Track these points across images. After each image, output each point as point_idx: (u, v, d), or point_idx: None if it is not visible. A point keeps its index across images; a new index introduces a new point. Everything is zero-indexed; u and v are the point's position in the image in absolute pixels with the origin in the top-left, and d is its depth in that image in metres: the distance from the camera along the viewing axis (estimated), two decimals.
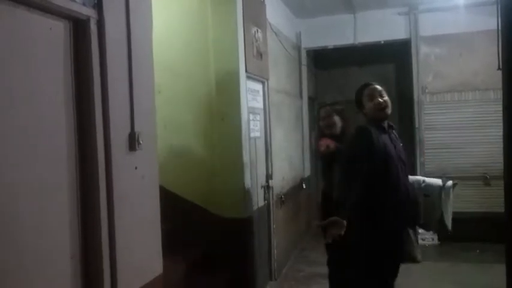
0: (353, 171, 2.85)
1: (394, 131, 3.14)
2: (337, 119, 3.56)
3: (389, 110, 3.03)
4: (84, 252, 1.81)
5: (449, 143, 5.97)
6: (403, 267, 4.69)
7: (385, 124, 3.06)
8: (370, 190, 2.85)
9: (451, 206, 3.12)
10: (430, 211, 3.09)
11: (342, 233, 2.74)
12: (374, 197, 2.89)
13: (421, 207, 3.09)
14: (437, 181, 3.16)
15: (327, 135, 3.58)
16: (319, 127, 3.68)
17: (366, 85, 3.13)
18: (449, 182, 3.13)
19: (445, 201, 3.07)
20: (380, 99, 3.01)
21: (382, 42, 6.37)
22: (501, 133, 2.44)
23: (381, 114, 3.03)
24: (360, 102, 3.11)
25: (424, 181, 3.18)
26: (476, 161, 5.84)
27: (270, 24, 4.80)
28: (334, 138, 3.56)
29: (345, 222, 2.71)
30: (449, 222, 3.11)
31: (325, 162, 3.52)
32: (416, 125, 6.21)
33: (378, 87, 3.08)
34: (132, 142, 2.02)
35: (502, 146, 2.47)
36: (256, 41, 4.17)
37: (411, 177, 3.19)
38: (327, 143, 3.49)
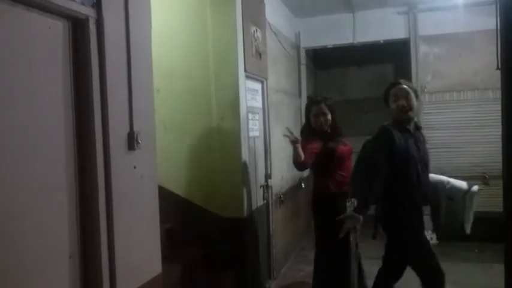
0: (373, 171, 2.88)
1: (421, 132, 3.12)
2: (328, 117, 3.56)
3: (412, 114, 3.03)
4: (83, 252, 1.81)
5: (448, 143, 5.98)
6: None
7: (411, 125, 3.06)
8: (390, 190, 2.88)
9: (473, 212, 3.11)
10: (451, 214, 3.09)
11: (358, 226, 2.84)
12: (394, 197, 2.91)
13: (442, 209, 3.08)
14: (463, 184, 3.13)
15: (317, 131, 3.57)
16: (309, 124, 3.65)
17: (394, 84, 3.12)
18: (475, 187, 3.11)
19: (468, 207, 3.06)
20: (403, 102, 3.00)
21: (382, 41, 6.37)
22: (500, 133, 2.44)
23: (402, 117, 3.03)
24: (387, 100, 3.11)
25: (449, 182, 3.15)
26: (475, 160, 5.85)
27: (269, 23, 4.80)
28: (323, 134, 3.55)
29: (361, 217, 2.79)
30: (468, 227, 3.10)
31: (320, 161, 3.50)
32: None
33: (405, 87, 3.05)
34: (131, 141, 2.02)
35: (501, 145, 2.46)
36: (256, 40, 4.16)
37: (435, 177, 3.17)
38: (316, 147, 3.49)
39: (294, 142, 3.39)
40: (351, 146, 3.73)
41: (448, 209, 3.09)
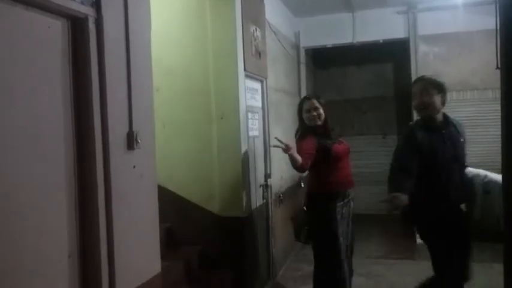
0: (403, 171, 2.93)
1: (456, 127, 3.05)
2: (321, 111, 3.53)
3: (431, 110, 2.97)
4: (82, 251, 1.81)
5: None
6: (400, 267, 4.68)
7: (439, 119, 3.01)
8: (419, 188, 2.87)
9: None
10: (488, 208, 3.04)
11: (403, 204, 2.85)
12: (423, 194, 2.90)
13: (477, 203, 3.03)
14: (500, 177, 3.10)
15: (309, 127, 3.54)
16: (302, 120, 3.62)
17: (417, 81, 3.09)
18: None
19: None
20: (417, 101, 2.98)
21: (381, 41, 6.37)
22: (499, 132, 2.44)
23: (421, 113, 3.01)
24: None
25: (486, 176, 3.10)
26: (475, 160, 5.80)
27: (268, 23, 4.80)
28: (316, 130, 3.52)
29: (399, 196, 2.85)
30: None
31: (314, 160, 3.45)
32: None
33: (421, 84, 3.01)
34: (131, 141, 2.02)
35: (500, 145, 2.47)
36: (255, 39, 4.16)
37: (472, 171, 3.13)
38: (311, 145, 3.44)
39: (286, 150, 3.30)
40: (348, 145, 3.68)
41: (485, 202, 3.04)
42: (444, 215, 2.92)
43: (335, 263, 3.43)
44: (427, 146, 2.90)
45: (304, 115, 3.56)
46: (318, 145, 3.44)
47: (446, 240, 2.96)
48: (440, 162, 2.90)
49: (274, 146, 3.41)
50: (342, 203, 3.50)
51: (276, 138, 3.38)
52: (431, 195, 2.94)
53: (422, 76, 3.11)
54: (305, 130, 3.58)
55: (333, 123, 3.65)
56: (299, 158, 3.33)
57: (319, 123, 3.52)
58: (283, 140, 3.32)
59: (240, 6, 3.79)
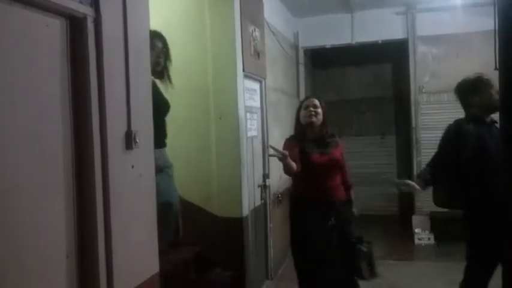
0: (442, 164, 3.05)
1: (495, 126, 3.04)
2: (319, 111, 3.42)
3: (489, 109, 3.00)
4: (80, 251, 1.80)
5: None
6: (399, 268, 4.69)
7: (489, 117, 3.03)
8: (462, 181, 2.90)
9: None
10: None
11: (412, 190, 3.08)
12: (468, 187, 2.91)
13: None
14: None
15: (303, 126, 3.49)
16: (298, 119, 3.53)
17: (481, 78, 3.08)
18: None
19: None
20: (494, 96, 2.95)
21: (380, 41, 6.39)
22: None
23: (492, 112, 3.01)
24: (468, 93, 3.10)
25: None
26: None
27: (267, 23, 4.80)
28: (309, 132, 3.45)
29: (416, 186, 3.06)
30: None
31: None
32: (413, 125, 6.22)
33: (492, 81, 2.99)
34: (129, 141, 2.02)
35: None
36: (254, 40, 4.16)
37: None
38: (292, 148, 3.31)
39: (282, 159, 3.10)
40: (336, 157, 3.41)
41: None
42: (493, 214, 2.82)
43: (311, 275, 3.34)
44: (474, 142, 2.90)
45: (302, 112, 3.47)
46: (301, 151, 3.32)
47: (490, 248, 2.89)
48: (489, 156, 2.88)
49: (271, 156, 3.31)
50: (318, 212, 3.33)
51: (271, 146, 3.22)
52: (479, 193, 2.91)
53: (481, 74, 3.10)
54: (297, 130, 3.53)
55: (332, 125, 3.58)
56: (293, 165, 3.17)
57: (314, 120, 3.40)
58: (279, 142, 3.28)
59: (239, 6, 3.79)
